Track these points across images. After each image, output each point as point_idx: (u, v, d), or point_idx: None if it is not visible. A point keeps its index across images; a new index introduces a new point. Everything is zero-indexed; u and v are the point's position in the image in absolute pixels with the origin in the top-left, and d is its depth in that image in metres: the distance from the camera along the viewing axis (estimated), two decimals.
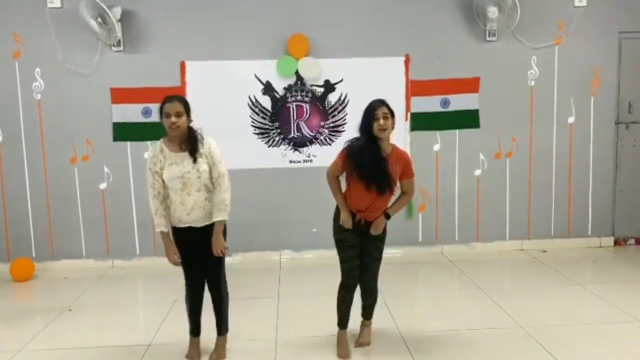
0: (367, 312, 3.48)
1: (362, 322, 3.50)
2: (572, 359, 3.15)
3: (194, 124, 3.11)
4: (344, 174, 3.24)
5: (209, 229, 3.10)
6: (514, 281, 4.88)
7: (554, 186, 5.63)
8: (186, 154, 3.03)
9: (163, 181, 3.07)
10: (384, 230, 3.30)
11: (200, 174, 3.03)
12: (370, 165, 3.09)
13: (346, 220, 3.21)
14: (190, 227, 3.11)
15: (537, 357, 3.22)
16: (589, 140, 5.60)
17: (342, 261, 3.29)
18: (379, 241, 3.30)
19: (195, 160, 3.01)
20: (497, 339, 3.50)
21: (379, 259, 3.33)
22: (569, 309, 4.00)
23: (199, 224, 3.10)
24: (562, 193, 5.64)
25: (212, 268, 3.19)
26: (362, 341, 3.44)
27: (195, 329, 3.34)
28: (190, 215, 3.07)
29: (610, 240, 5.72)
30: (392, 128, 3.14)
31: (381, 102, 3.13)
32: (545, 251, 5.56)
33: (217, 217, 3.07)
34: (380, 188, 3.12)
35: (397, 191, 3.29)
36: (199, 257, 3.16)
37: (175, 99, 3.01)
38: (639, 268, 4.98)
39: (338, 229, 3.28)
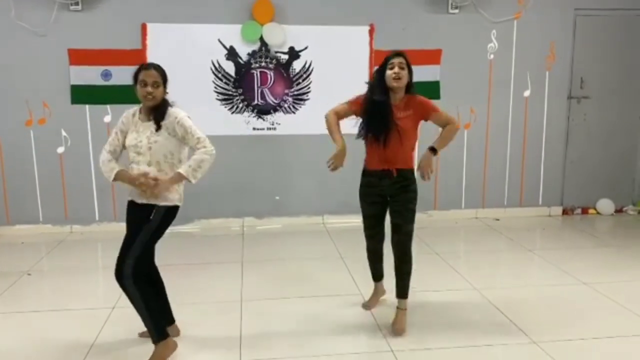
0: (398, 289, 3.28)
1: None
2: (522, 317, 3.35)
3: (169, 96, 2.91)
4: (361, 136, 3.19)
5: (147, 210, 2.82)
6: (468, 247, 5.10)
7: (509, 157, 5.85)
8: (150, 124, 2.84)
9: (123, 144, 2.93)
10: (409, 190, 3.39)
11: (151, 145, 2.79)
12: (373, 115, 3.07)
13: (336, 156, 3.06)
14: (132, 202, 2.91)
15: (489, 316, 3.42)
16: (543, 113, 5.82)
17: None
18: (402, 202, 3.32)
19: (158, 129, 2.81)
20: (452, 299, 3.69)
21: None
22: (520, 272, 4.27)
23: (139, 199, 2.84)
24: (516, 164, 5.87)
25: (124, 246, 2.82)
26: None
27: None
28: (134, 187, 2.85)
29: (558, 210, 6.02)
30: (409, 82, 3.10)
31: (399, 54, 3.07)
32: (498, 219, 5.81)
33: (181, 169, 2.81)
34: (380, 136, 3.08)
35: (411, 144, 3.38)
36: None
37: (152, 67, 2.81)
38: (584, 235, 5.29)
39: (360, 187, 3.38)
